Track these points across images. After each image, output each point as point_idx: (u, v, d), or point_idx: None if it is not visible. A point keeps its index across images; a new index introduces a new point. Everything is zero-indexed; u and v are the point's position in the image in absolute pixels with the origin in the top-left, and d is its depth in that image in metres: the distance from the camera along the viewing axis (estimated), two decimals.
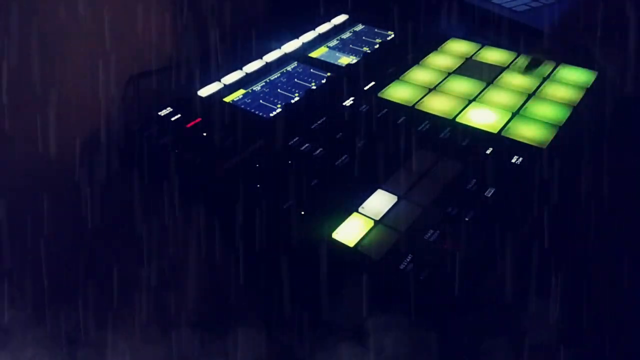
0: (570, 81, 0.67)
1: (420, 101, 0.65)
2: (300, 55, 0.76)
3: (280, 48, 0.77)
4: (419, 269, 0.44)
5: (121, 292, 0.46)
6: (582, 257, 0.46)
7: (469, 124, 0.61)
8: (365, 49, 0.78)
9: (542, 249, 0.45)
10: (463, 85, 0.68)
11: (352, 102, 0.65)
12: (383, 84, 0.69)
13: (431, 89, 0.67)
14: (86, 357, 0.41)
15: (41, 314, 0.43)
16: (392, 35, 0.82)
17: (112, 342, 0.42)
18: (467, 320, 0.41)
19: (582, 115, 0.61)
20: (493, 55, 0.74)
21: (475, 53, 0.75)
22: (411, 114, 0.63)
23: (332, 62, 0.75)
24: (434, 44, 0.78)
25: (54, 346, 0.42)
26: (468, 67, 0.72)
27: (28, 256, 0.49)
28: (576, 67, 0.70)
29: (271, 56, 0.75)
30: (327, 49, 0.78)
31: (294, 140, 0.59)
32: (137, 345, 0.42)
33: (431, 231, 0.47)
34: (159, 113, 0.64)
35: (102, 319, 0.43)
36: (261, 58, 0.74)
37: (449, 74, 0.71)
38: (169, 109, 0.65)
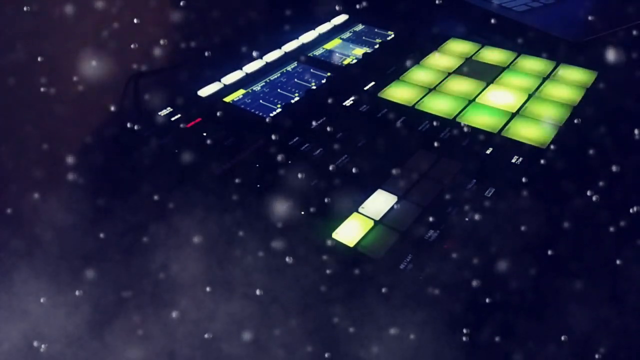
0: (570, 81, 0.67)
1: (420, 101, 0.65)
2: (300, 55, 0.76)
3: (280, 48, 0.77)
4: (419, 269, 0.44)
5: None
6: (582, 257, 0.46)
7: (469, 124, 0.61)
8: (366, 49, 0.78)
9: (541, 248, 0.45)
10: (463, 85, 0.68)
11: (352, 102, 0.65)
12: (383, 84, 0.69)
13: (431, 89, 0.67)
14: None
15: None
16: (392, 35, 0.81)
17: None
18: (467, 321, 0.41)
19: (582, 115, 0.61)
20: (493, 55, 0.74)
21: (475, 53, 0.75)
22: (411, 114, 0.63)
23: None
24: (434, 44, 0.78)
25: None
26: (468, 67, 0.72)
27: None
28: (576, 67, 0.70)
29: (271, 56, 0.75)
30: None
31: (294, 140, 0.59)
32: None
33: (431, 231, 0.47)
34: (159, 113, 0.64)
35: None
36: (261, 58, 0.74)
37: (449, 74, 0.71)
38: (169, 109, 0.65)
